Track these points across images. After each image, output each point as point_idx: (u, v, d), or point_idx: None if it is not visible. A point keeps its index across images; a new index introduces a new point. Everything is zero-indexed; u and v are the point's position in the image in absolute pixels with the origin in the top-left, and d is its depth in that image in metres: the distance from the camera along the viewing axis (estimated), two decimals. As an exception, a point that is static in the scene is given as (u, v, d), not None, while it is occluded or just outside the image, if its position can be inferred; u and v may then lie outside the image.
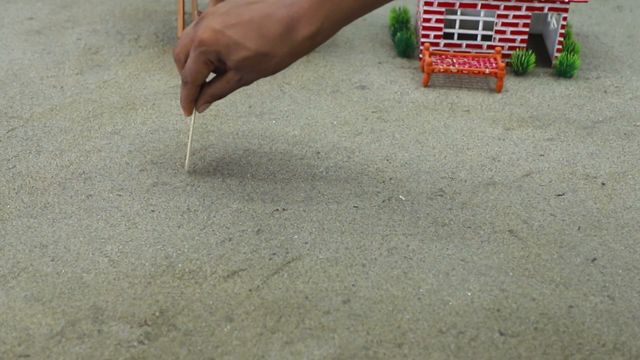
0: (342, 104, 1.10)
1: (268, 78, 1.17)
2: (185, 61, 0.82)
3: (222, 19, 0.77)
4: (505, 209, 0.85)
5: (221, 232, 0.79)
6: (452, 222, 0.82)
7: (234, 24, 0.77)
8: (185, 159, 0.92)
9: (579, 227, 0.82)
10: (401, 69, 1.23)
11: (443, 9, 1.22)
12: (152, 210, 0.83)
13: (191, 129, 0.87)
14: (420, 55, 1.25)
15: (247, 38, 0.76)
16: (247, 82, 0.82)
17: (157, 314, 0.67)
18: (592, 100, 1.13)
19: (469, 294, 0.71)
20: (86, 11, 1.46)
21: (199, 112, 0.86)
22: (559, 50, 1.22)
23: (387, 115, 1.06)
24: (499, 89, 1.15)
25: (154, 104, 1.08)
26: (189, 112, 0.85)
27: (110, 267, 0.73)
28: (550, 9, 1.20)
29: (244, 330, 0.66)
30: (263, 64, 0.78)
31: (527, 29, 1.22)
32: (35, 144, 0.96)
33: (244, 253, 0.76)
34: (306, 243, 0.78)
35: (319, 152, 0.95)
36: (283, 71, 1.20)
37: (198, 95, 0.84)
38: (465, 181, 0.90)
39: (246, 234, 0.79)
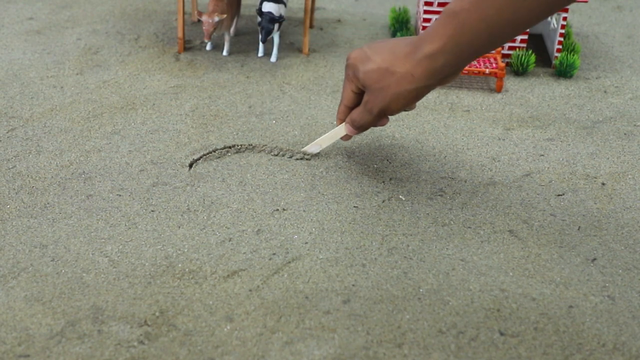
0: (342, 104, 1.10)
1: (268, 78, 1.17)
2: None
3: (372, 43, 0.83)
4: (505, 209, 0.85)
5: (221, 232, 0.79)
6: (452, 222, 0.82)
7: (376, 46, 0.81)
8: (313, 146, 0.95)
9: (579, 227, 0.82)
10: (401, 69, 1.23)
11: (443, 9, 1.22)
12: (152, 210, 0.83)
13: (332, 133, 0.92)
14: (420, 55, 1.25)
15: (378, 54, 0.80)
16: (374, 109, 0.82)
17: (157, 314, 0.67)
18: (592, 100, 1.13)
19: (469, 294, 0.71)
20: (86, 11, 1.46)
21: (344, 140, 0.93)
22: (559, 50, 1.22)
23: (387, 115, 1.06)
24: (499, 89, 1.15)
25: (154, 104, 1.08)
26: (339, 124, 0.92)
27: (110, 267, 0.73)
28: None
29: (244, 330, 0.66)
30: (384, 80, 0.79)
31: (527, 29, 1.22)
32: (35, 144, 0.96)
33: (244, 253, 0.76)
34: (306, 243, 0.78)
35: (319, 152, 0.95)
36: (283, 71, 1.20)
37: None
38: (465, 181, 0.90)
39: (246, 234, 0.79)
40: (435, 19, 0.75)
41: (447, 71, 0.77)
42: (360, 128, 0.87)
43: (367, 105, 0.83)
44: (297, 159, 0.94)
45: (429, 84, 0.78)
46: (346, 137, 0.92)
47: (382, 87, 0.80)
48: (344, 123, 0.89)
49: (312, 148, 0.94)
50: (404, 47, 0.79)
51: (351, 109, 0.88)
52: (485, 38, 0.73)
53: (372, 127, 0.94)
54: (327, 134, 0.93)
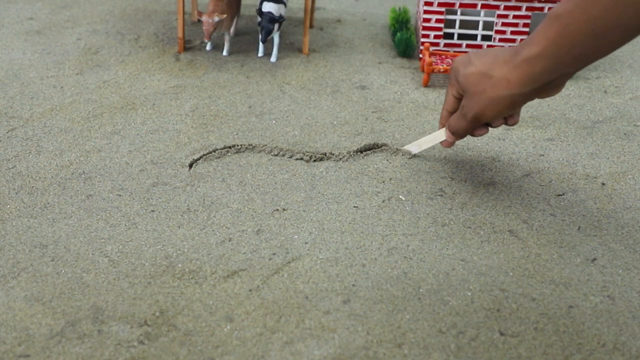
0: (342, 104, 1.10)
1: (268, 78, 1.17)
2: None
3: (478, 50, 0.81)
4: (505, 209, 0.85)
5: (221, 232, 0.79)
6: (452, 222, 0.82)
7: (481, 51, 0.80)
8: (413, 146, 0.95)
9: (579, 227, 0.82)
10: (401, 69, 1.23)
11: (443, 9, 1.22)
12: (152, 210, 0.83)
13: (433, 135, 0.92)
14: (420, 56, 1.25)
15: (480, 58, 0.79)
16: (469, 115, 0.81)
17: (157, 314, 0.67)
18: (592, 100, 1.13)
19: (469, 294, 0.71)
20: (86, 11, 1.46)
21: (444, 146, 0.91)
22: (559, 50, 1.22)
23: (387, 115, 1.06)
24: (499, 89, 1.15)
25: (154, 104, 1.08)
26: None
27: (110, 267, 0.73)
28: (550, 9, 1.20)
29: (244, 330, 0.66)
30: (481, 84, 0.77)
31: (527, 29, 1.22)
32: (35, 144, 0.96)
33: (244, 253, 0.76)
34: (306, 243, 0.78)
35: (319, 152, 0.95)
36: (283, 71, 1.20)
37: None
38: (465, 181, 0.90)
39: (246, 234, 0.79)
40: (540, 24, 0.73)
41: (545, 78, 0.73)
42: (456, 134, 0.85)
43: (463, 110, 0.82)
44: (297, 159, 0.94)
45: (525, 91, 0.75)
46: (446, 143, 0.90)
47: (479, 92, 0.78)
48: (444, 127, 0.88)
49: (412, 148, 0.94)
50: (506, 52, 0.76)
51: (452, 113, 0.86)
52: (590, 43, 0.68)
53: (468, 136, 0.93)
54: (428, 136, 0.93)
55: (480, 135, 0.85)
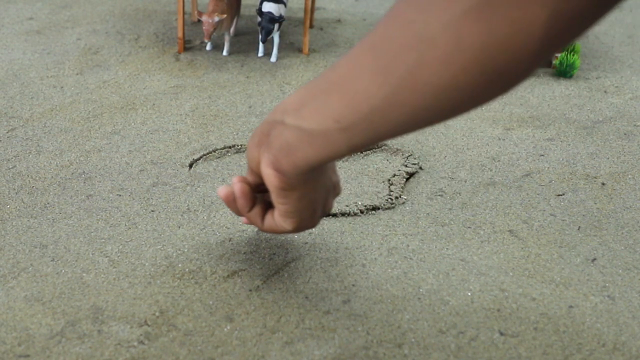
0: (342, 104, 1.10)
1: (268, 78, 1.17)
2: None
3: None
4: (505, 209, 0.85)
5: (221, 232, 0.79)
6: (452, 222, 0.82)
7: None
8: None
9: (579, 227, 0.82)
10: (401, 69, 1.23)
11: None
12: (152, 210, 0.83)
13: None
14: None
15: None
16: None
17: (157, 314, 0.67)
18: (592, 100, 1.13)
19: (469, 294, 0.71)
20: (86, 11, 1.46)
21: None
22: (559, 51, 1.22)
23: (387, 115, 1.06)
24: (499, 89, 1.15)
25: (154, 104, 1.08)
26: None
27: (110, 267, 0.73)
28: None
29: (244, 330, 0.66)
30: None
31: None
32: (35, 144, 0.96)
33: (244, 253, 0.76)
34: (306, 243, 0.78)
35: (319, 152, 0.95)
36: (283, 71, 1.20)
37: None
38: (465, 181, 0.90)
39: (246, 234, 0.79)
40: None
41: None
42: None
43: None
44: (297, 159, 0.94)
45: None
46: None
47: None
48: None
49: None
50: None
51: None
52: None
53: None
54: None
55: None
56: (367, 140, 0.53)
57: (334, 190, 0.69)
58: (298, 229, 0.66)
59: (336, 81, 0.52)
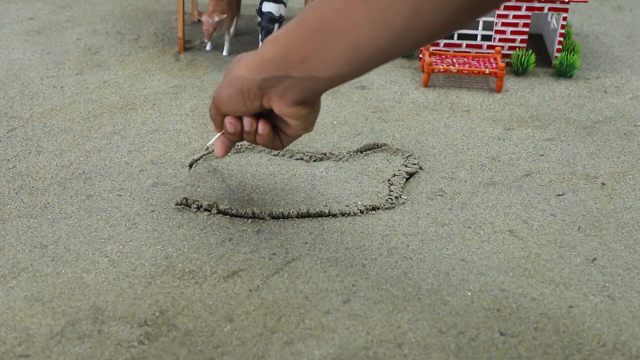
0: (342, 104, 1.10)
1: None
2: None
3: None
4: (505, 209, 0.85)
5: (221, 232, 0.79)
6: (452, 222, 0.82)
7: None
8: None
9: (579, 227, 0.82)
10: (401, 69, 1.23)
11: (443, 9, 1.22)
12: (152, 210, 0.83)
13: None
14: (420, 55, 1.25)
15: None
16: (214, 95, 0.74)
17: (157, 314, 0.67)
18: (592, 100, 1.13)
19: (469, 294, 0.71)
20: (86, 11, 1.46)
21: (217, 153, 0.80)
22: (559, 50, 1.22)
23: (387, 115, 1.06)
24: (499, 89, 1.15)
25: (154, 104, 1.08)
26: None
27: (110, 267, 0.73)
28: (550, 9, 1.20)
29: (244, 330, 0.66)
30: (230, 69, 0.72)
31: (527, 29, 1.22)
32: (35, 144, 0.96)
33: (244, 253, 0.76)
34: (306, 243, 0.78)
35: (319, 152, 0.95)
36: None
37: None
38: (465, 181, 0.90)
39: (246, 234, 0.79)
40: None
41: (272, 69, 0.66)
42: (214, 122, 0.78)
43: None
44: (297, 159, 0.94)
45: (255, 78, 0.67)
46: (218, 145, 0.80)
47: (226, 74, 0.73)
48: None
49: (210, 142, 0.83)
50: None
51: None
52: (319, 45, 0.61)
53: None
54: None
55: (232, 132, 0.74)
56: (378, 66, 0.62)
57: None
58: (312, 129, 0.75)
59: (333, 33, 0.60)
